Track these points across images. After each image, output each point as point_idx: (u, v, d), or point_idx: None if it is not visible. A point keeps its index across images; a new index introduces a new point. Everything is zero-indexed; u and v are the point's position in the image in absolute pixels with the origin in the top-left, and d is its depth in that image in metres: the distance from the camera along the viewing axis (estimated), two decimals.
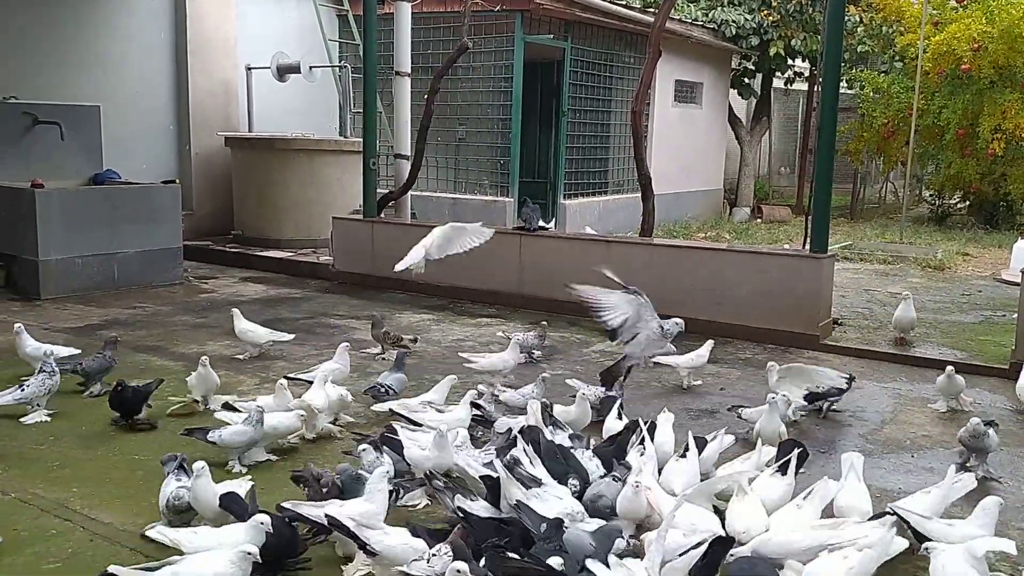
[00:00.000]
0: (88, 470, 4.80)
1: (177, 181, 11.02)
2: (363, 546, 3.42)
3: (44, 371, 5.57)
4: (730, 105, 20.14)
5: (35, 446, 5.14)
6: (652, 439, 4.61)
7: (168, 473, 4.08)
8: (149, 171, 11.74)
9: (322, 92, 13.80)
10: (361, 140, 10.96)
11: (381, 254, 10.57)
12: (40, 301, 9.10)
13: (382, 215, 10.99)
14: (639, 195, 10.14)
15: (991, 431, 4.95)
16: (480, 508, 3.87)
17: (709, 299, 8.29)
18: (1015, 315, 7.46)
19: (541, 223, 10.17)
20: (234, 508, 3.77)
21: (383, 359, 7.30)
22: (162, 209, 10.28)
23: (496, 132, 13.92)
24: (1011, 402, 6.47)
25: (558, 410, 5.25)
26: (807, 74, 20.30)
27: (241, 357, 7.08)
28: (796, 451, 4.41)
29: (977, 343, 8.10)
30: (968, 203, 18.68)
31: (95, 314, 8.63)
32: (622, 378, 5.92)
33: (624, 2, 15.22)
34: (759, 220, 18.48)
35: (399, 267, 7.12)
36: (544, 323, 7.54)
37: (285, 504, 3.80)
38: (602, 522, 3.82)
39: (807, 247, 8.43)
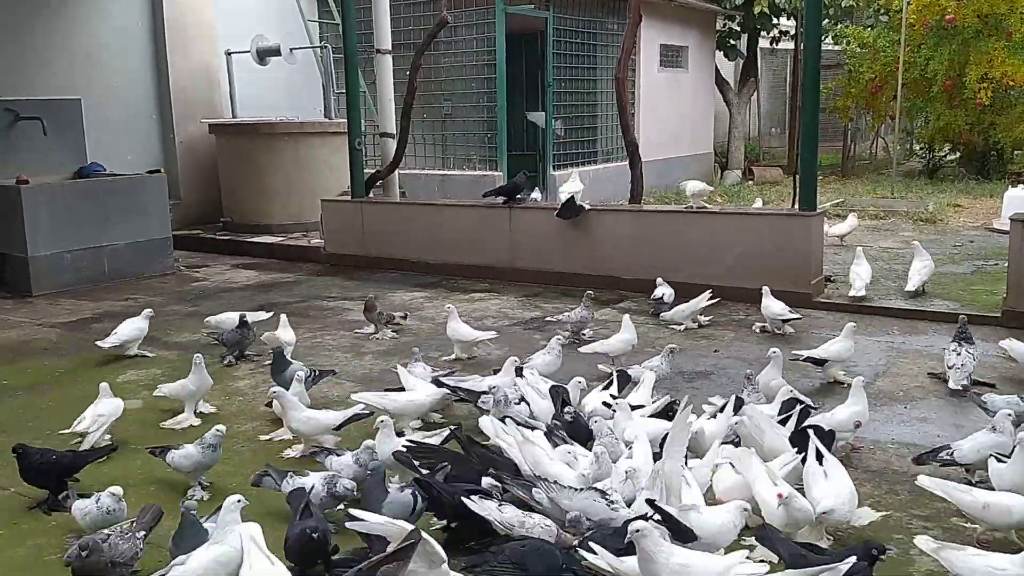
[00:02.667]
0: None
1: (163, 171, 10.97)
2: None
3: None
4: (717, 67, 20.02)
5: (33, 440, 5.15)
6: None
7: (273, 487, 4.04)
8: (134, 162, 11.68)
9: (304, 74, 13.70)
10: (346, 121, 10.90)
11: (371, 234, 10.56)
12: (32, 297, 9.08)
13: (371, 195, 10.96)
14: (628, 164, 10.11)
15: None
16: None
17: (700, 263, 8.29)
18: (1006, 264, 7.46)
19: (535, 195, 10.18)
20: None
21: (376, 339, 7.31)
22: (149, 199, 10.24)
23: (482, 106, 13.83)
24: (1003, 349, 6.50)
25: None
26: (793, 32, 20.17)
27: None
28: (798, 407, 4.54)
29: (969, 293, 8.12)
30: (958, 154, 18.65)
31: (88, 308, 8.62)
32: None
33: None
34: (751, 182, 18.44)
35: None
36: (589, 292, 7.24)
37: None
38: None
39: (796, 206, 8.43)
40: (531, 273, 9.38)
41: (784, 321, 7.15)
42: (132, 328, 6.86)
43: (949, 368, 5.63)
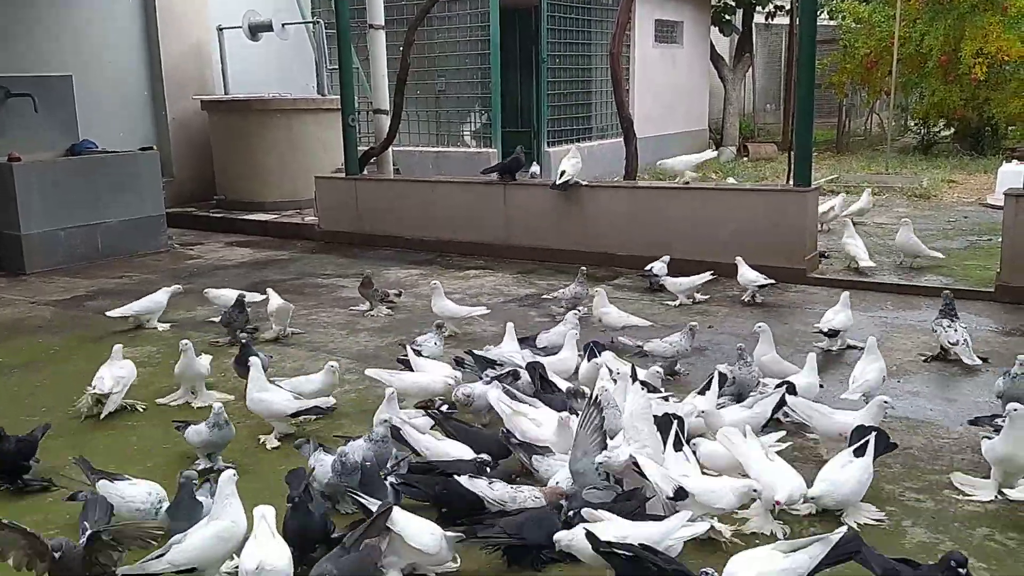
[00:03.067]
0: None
1: (155, 148, 10.91)
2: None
3: None
4: (712, 43, 19.93)
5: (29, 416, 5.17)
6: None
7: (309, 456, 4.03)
8: (126, 139, 11.61)
9: (297, 50, 13.60)
10: (339, 97, 10.84)
11: (365, 211, 10.53)
12: (25, 275, 9.06)
13: (364, 172, 10.92)
14: (623, 140, 10.08)
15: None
16: None
17: (695, 239, 8.29)
18: (1000, 239, 7.48)
19: (534, 168, 10.14)
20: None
21: (371, 316, 7.31)
22: (142, 177, 10.19)
23: (476, 83, 13.76)
24: (997, 324, 6.53)
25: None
26: (788, 7, 20.05)
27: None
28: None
29: (963, 268, 8.14)
30: (953, 130, 18.62)
31: (82, 286, 8.60)
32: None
33: None
34: (745, 159, 18.40)
35: None
36: (583, 268, 7.30)
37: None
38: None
39: (791, 182, 8.43)
40: (526, 250, 9.37)
41: (760, 287, 7.32)
42: (148, 301, 7.00)
43: (953, 345, 5.64)
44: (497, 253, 9.50)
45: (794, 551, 3.02)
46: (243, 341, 5.56)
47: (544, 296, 7.54)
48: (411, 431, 4.20)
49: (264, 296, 7.04)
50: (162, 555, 3.26)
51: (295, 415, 4.75)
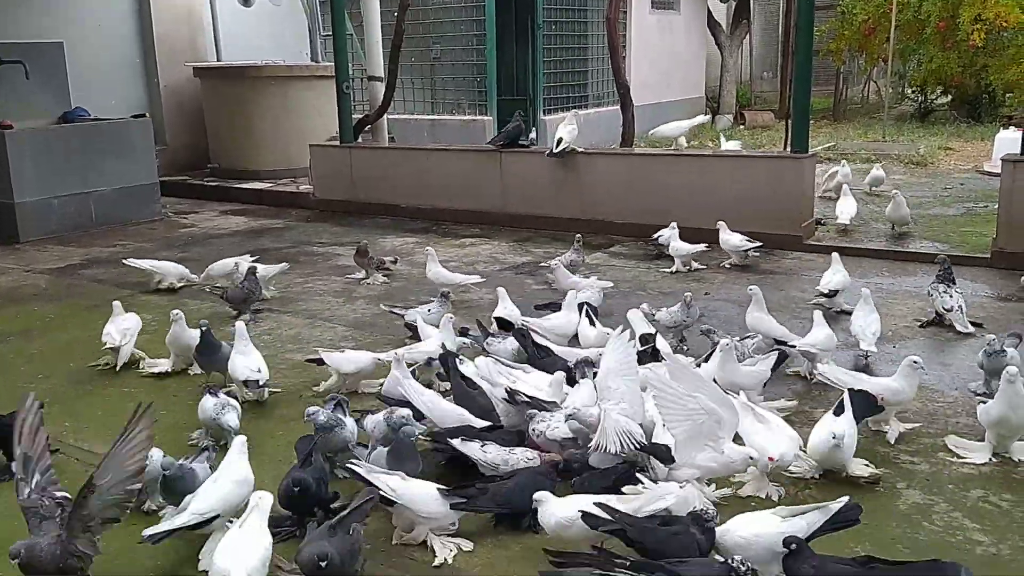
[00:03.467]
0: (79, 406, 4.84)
1: (148, 115, 10.81)
2: None
3: None
4: (709, 10, 19.74)
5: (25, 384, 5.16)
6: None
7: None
8: (118, 107, 11.48)
9: (289, 16, 13.45)
10: (333, 64, 10.73)
11: (360, 180, 10.47)
12: (19, 244, 9.02)
13: (359, 140, 10.85)
14: (619, 108, 10.02)
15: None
16: None
17: (692, 206, 8.25)
18: (996, 205, 7.47)
19: (531, 136, 10.07)
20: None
21: (367, 284, 7.30)
22: (135, 144, 10.12)
23: (471, 49, 13.64)
24: (992, 290, 6.55)
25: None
26: None
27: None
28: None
29: (959, 235, 8.14)
30: (950, 97, 18.53)
31: (76, 254, 8.57)
32: None
33: None
34: (742, 126, 18.31)
35: None
36: (578, 235, 7.24)
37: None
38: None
39: (788, 149, 8.39)
40: (522, 218, 9.35)
41: (746, 251, 7.40)
42: (169, 264, 7.18)
43: (947, 311, 5.65)
44: (493, 221, 9.47)
45: (793, 517, 3.05)
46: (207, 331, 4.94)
47: (541, 264, 7.53)
48: (412, 389, 4.18)
49: (284, 264, 7.23)
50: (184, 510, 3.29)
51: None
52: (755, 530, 3.01)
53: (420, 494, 3.37)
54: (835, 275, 6.13)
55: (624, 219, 8.66)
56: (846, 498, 3.15)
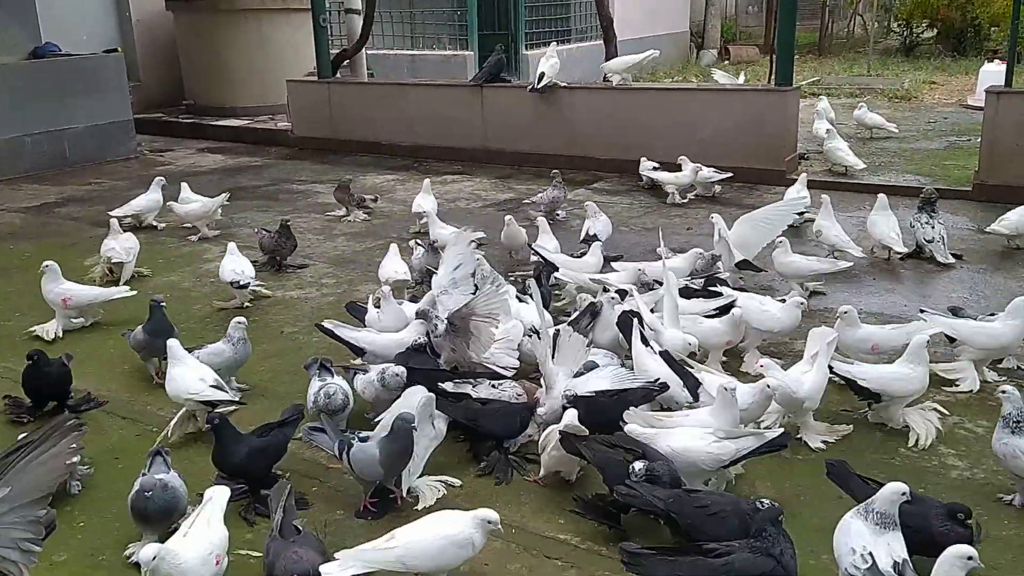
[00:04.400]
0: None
1: (120, 50, 10.54)
2: None
3: None
4: None
5: (3, 322, 5.12)
6: None
7: (312, 376, 3.77)
8: (90, 42, 11.19)
9: None
10: None
11: (340, 116, 10.31)
12: None
13: (338, 75, 10.64)
14: (602, 41, 9.86)
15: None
16: None
17: (676, 141, 8.17)
18: (979, 139, 7.46)
19: (504, 75, 9.88)
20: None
21: (348, 221, 7.23)
22: (108, 80, 9.90)
23: None
24: (973, 222, 6.57)
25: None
26: None
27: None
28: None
29: (942, 168, 8.14)
30: (936, 31, 18.36)
31: (51, 192, 8.43)
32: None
33: None
34: (727, 61, 18.10)
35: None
36: (555, 171, 7.13)
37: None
38: None
39: (772, 81, 8.31)
40: (504, 155, 9.25)
41: (713, 183, 7.49)
42: (145, 200, 7.05)
43: (928, 242, 5.66)
44: (475, 158, 9.37)
45: (726, 439, 3.12)
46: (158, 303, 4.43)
47: (524, 201, 7.47)
48: (344, 331, 4.19)
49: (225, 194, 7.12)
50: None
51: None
52: (685, 443, 3.13)
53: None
54: (821, 219, 5.99)
55: (607, 155, 8.59)
56: (781, 429, 3.27)
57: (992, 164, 7.12)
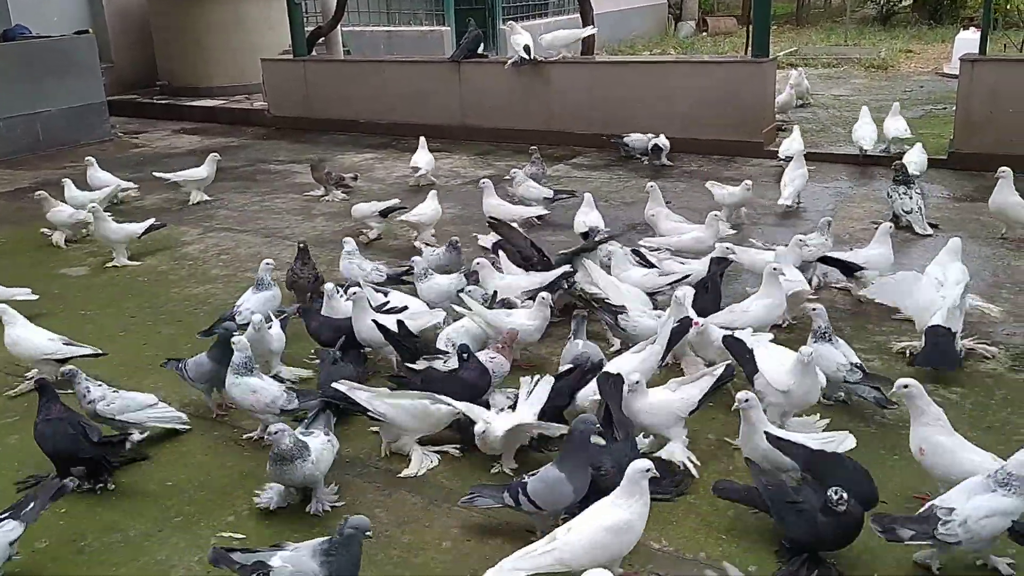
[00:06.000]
0: None
1: (92, 31, 10.40)
2: None
3: None
4: None
5: None
6: None
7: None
8: (60, 23, 11.06)
9: None
10: None
11: (316, 95, 10.22)
12: None
13: (313, 53, 10.54)
14: (579, 15, 9.80)
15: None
16: None
17: (654, 114, 8.17)
18: (954, 107, 7.50)
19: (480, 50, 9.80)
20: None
21: (326, 200, 7.20)
22: (80, 62, 9.75)
23: None
24: (948, 190, 6.62)
25: None
26: None
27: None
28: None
29: (917, 137, 8.15)
30: (912, 0, 18.40)
31: (25, 177, 8.33)
32: None
33: None
34: (705, 33, 18.08)
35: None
36: (533, 147, 7.16)
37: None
38: None
39: (749, 53, 8.30)
40: (483, 131, 9.21)
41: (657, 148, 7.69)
42: (197, 172, 7.23)
43: (907, 213, 5.70)
44: (453, 135, 9.32)
45: (684, 386, 3.35)
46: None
47: (505, 177, 7.44)
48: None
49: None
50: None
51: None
52: (660, 397, 3.31)
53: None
54: (793, 142, 6.62)
55: (586, 129, 8.58)
56: (727, 362, 3.46)
57: (967, 132, 7.17)
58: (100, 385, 3.50)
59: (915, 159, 6.43)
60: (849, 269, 4.66)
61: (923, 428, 2.94)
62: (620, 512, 2.56)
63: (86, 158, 7.24)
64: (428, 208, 5.96)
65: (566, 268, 4.56)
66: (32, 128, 9.34)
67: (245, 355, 3.46)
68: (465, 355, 3.56)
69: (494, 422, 3.23)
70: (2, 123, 9.10)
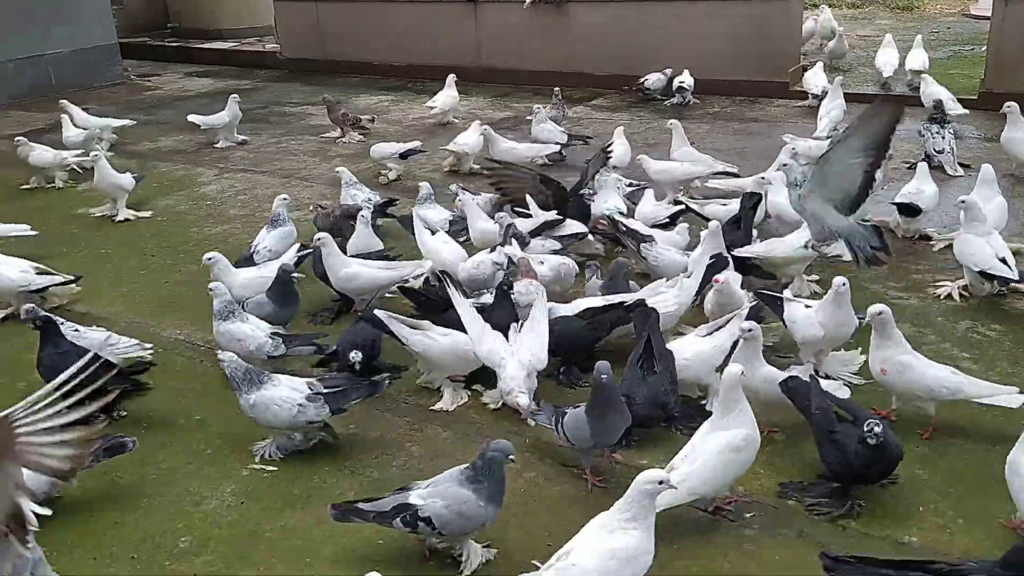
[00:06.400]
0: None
1: None
2: None
3: None
4: None
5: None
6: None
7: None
8: None
9: None
10: None
11: (330, 36, 10.04)
12: None
13: None
14: None
15: None
16: None
17: (677, 54, 7.97)
18: (983, 48, 7.30)
19: None
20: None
21: (343, 142, 7.10)
22: (91, 3, 9.58)
23: None
24: (980, 131, 6.47)
25: None
26: None
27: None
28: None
29: (946, 78, 7.94)
30: None
31: (38, 119, 8.24)
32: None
33: None
34: None
35: None
36: (556, 89, 7.03)
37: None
38: None
39: None
40: (500, 72, 9.04)
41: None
42: (220, 116, 7.09)
43: (938, 153, 5.58)
44: (470, 76, 9.12)
45: (711, 333, 3.30)
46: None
47: (528, 118, 7.29)
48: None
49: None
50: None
51: None
52: (694, 349, 3.25)
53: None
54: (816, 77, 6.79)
55: (607, 70, 8.40)
56: (751, 303, 3.42)
57: (1000, 72, 6.98)
58: (62, 323, 3.36)
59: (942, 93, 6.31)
60: (912, 211, 4.59)
61: (885, 351, 3.04)
62: (627, 538, 2.21)
63: (60, 101, 7.06)
64: (471, 137, 5.94)
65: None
66: (43, 71, 9.22)
67: (224, 300, 3.39)
68: (507, 287, 3.53)
69: (515, 388, 3.01)
70: (12, 65, 8.98)
